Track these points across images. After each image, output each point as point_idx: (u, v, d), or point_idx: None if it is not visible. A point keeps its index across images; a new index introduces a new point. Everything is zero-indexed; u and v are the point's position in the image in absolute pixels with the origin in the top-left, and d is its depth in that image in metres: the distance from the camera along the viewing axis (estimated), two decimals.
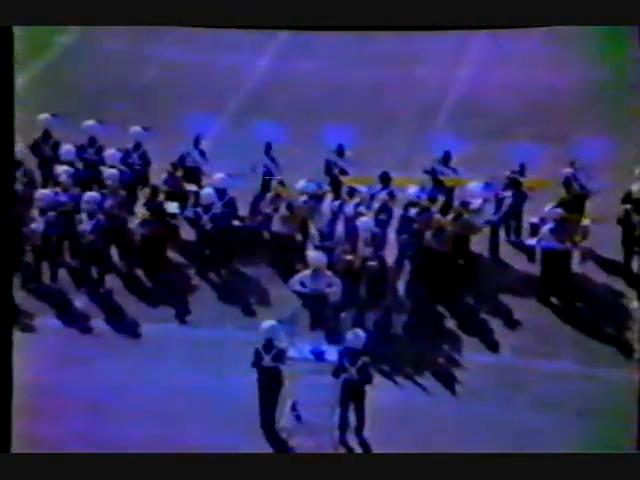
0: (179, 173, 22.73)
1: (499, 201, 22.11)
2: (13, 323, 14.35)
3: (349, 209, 22.02)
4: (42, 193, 22.09)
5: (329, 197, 22.43)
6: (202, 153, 23.09)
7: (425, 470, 14.36)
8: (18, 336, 19.51)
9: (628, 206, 21.70)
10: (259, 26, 13.93)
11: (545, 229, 21.45)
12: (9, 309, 14.75)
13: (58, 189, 22.26)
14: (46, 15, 13.64)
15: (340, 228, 21.89)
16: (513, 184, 22.25)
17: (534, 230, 21.72)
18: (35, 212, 22.04)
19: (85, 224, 21.74)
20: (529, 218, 22.19)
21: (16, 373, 18.55)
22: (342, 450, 18.49)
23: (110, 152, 22.71)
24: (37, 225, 21.68)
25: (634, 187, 21.96)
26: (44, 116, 23.11)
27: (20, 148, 22.67)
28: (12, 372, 14.48)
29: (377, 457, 16.09)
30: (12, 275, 16.82)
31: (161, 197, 22.64)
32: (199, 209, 22.28)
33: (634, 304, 21.17)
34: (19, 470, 14.07)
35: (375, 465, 14.68)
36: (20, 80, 25.93)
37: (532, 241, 21.57)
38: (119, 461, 14.47)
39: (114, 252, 22.54)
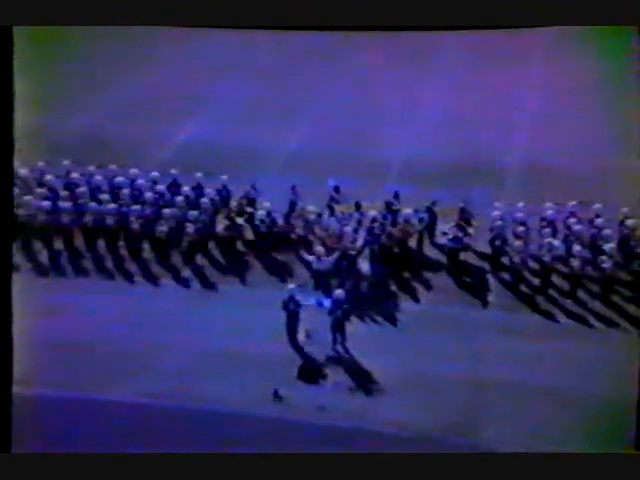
0: (243, 202, 23.60)
1: (422, 219, 23.19)
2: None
3: (339, 223, 22.82)
4: (168, 211, 23.00)
5: (326, 216, 23.29)
6: (256, 191, 23.89)
7: (425, 469, 10.65)
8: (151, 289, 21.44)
9: (498, 223, 22.49)
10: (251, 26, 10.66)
11: (451, 235, 22.61)
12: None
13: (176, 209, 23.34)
14: (46, 15, 10.05)
15: (334, 234, 22.48)
16: (429, 210, 23.37)
17: (444, 235, 22.87)
18: (163, 221, 22.91)
19: (189, 228, 22.85)
20: (441, 228, 23.01)
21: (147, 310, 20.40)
22: (333, 354, 18.93)
23: (209, 190, 23.81)
24: (163, 228, 22.77)
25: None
26: (224, 177, 23.90)
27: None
28: (12, 366, 10.59)
29: (377, 457, 11.43)
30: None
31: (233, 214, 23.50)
32: (256, 221, 23.17)
33: (490, 276, 22.33)
34: (19, 470, 10.31)
35: (374, 464, 10.87)
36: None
37: (443, 241, 22.85)
38: (119, 461, 10.73)
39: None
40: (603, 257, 20.98)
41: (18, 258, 21.68)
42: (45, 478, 10.21)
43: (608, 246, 21.25)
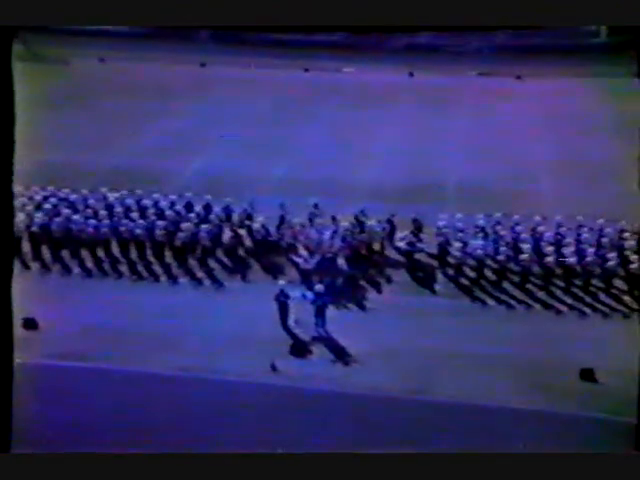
0: (243, 217, 24.49)
1: (384, 229, 24.36)
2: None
3: (318, 232, 23.74)
4: (185, 225, 23.79)
5: (309, 226, 24.27)
6: (253, 208, 25.01)
7: (424, 469, 8.93)
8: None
9: (443, 230, 23.62)
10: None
11: (406, 240, 23.73)
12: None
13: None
14: (46, 16, 8.50)
15: (315, 240, 23.33)
16: (389, 221, 24.63)
17: (401, 240, 23.93)
18: (181, 233, 23.58)
19: (204, 236, 23.75)
20: (399, 235, 23.93)
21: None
22: (316, 334, 19.46)
23: (216, 209, 24.80)
24: (183, 237, 23.63)
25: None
26: (228, 198, 24.32)
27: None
28: (12, 374, 8.90)
29: (376, 457, 9.30)
30: None
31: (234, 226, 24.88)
32: (254, 232, 24.13)
33: (438, 272, 23.18)
34: (19, 470, 8.61)
35: (373, 464, 9.05)
36: None
37: (401, 245, 23.92)
38: (118, 461, 8.98)
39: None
40: (522, 255, 22.51)
41: (71, 263, 22.91)
42: (45, 478, 8.67)
43: (525, 247, 22.72)
